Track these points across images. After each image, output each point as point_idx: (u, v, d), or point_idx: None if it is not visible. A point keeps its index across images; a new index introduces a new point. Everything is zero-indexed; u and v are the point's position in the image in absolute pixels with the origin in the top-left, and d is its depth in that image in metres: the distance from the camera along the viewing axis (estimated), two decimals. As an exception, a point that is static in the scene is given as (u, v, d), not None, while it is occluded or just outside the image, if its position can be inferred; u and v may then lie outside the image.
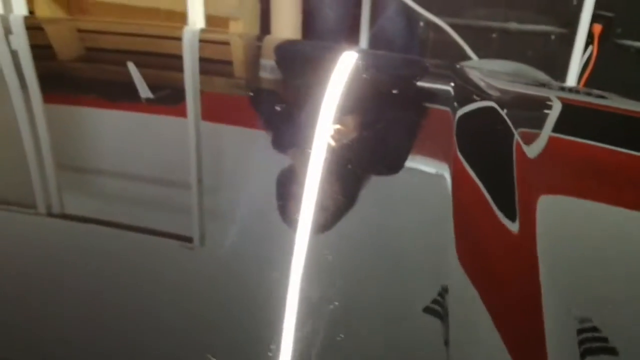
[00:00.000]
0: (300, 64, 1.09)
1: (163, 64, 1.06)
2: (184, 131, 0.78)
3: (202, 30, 1.59)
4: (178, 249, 0.54)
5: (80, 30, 1.30)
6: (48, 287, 0.48)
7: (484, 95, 0.97)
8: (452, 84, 0.99)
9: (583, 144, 0.85)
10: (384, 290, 0.50)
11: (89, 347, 0.42)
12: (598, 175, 0.76)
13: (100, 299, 0.47)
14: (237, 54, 1.24)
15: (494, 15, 2.50)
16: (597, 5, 2.34)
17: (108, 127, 0.80)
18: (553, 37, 2.50)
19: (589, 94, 1.08)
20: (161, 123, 0.82)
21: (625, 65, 2.43)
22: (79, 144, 0.74)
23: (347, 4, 2.44)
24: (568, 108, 0.97)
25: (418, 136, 0.85)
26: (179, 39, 1.20)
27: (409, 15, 2.37)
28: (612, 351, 0.46)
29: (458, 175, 0.67)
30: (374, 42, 2.50)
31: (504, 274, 0.54)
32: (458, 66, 1.11)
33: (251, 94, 1.01)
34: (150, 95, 0.85)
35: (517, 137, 0.78)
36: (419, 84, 1.11)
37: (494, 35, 2.52)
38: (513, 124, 0.82)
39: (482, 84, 1.01)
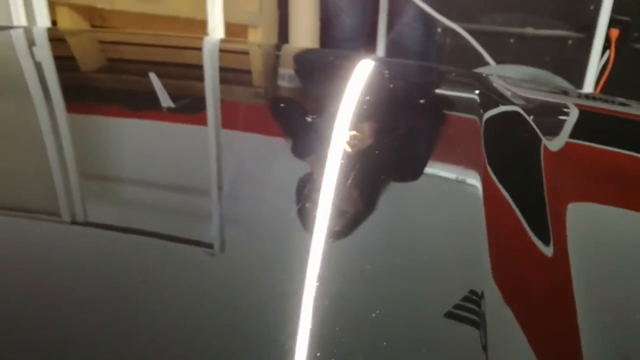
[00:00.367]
0: (321, 73, 1.10)
1: (184, 73, 1.07)
2: (204, 139, 0.79)
3: (222, 40, 1.61)
4: (199, 255, 0.54)
5: (102, 42, 1.32)
6: (72, 294, 0.48)
7: (509, 103, 0.97)
8: (477, 92, 0.99)
9: (602, 150, 0.84)
10: (417, 299, 0.50)
11: (112, 353, 0.42)
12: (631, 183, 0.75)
13: (123, 305, 0.47)
14: (256, 63, 1.25)
15: (511, 21, 2.49)
16: (614, 10, 2.31)
17: (130, 136, 0.81)
18: (570, 42, 2.49)
19: (608, 101, 1.07)
20: (182, 131, 0.83)
21: (642, 69, 2.41)
22: (102, 153, 0.75)
23: (364, 11, 2.45)
24: (594, 116, 0.97)
25: (447, 144, 0.84)
26: (199, 49, 1.21)
27: (427, 22, 2.37)
28: None
29: (489, 192, 0.66)
30: (392, 49, 2.50)
31: (540, 299, 0.53)
32: (483, 74, 1.11)
33: (275, 103, 1.01)
34: (171, 104, 0.86)
35: (545, 142, 0.77)
36: (446, 92, 1.11)
37: (511, 40, 2.51)
38: (540, 132, 0.81)
39: (507, 93, 1.00)
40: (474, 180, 0.70)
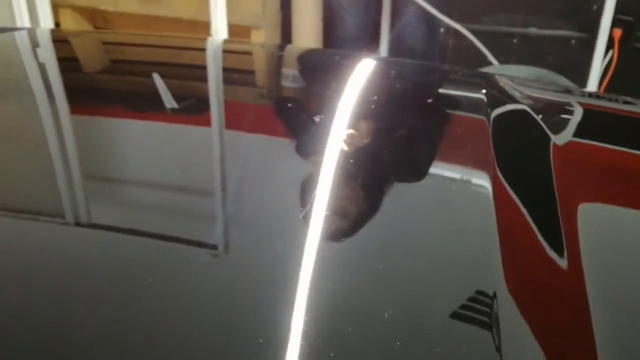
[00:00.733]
0: (326, 73, 1.10)
1: (187, 74, 1.07)
2: (208, 140, 0.79)
3: (225, 41, 1.61)
4: (203, 256, 0.54)
5: (105, 43, 1.32)
6: (75, 295, 0.48)
7: (516, 102, 0.97)
8: (485, 92, 0.99)
9: (606, 148, 0.84)
10: (429, 300, 0.49)
11: (114, 353, 0.42)
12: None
13: (126, 306, 0.47)
14: (260, 63, 1.25)
15: (514, 21, 2.49)
16: (617, 10, 2.31)
17: (133, 137, 0.81)
18: (573, 42, 2.48)
19: (613, 100, 1.07)
20: (186, 132, 0.83)
21: (646, 69, 2.40)
22: (105, 154, 0.75)
23: (367, 11, 2.45)
24: (600, 115, 0.97)
25: (456, 144, 0.84)
26: (203, 49, 1.21)
27: (430, 22, 2.37)
28: None
29: (499, 192, 0.66)
30: (395, 49, 2.50)
31: (553, 300, 0.53)
32: (489, 74, 1.10)
33: (279, 103, 1.01)
34: (175, 105, 0.86)
35: (554, 140, 0.77)
36: (453, 92, 1.11)
37: (514, 40, 2.51)
38: (549, 127, 0.81)
39: (514, 93, 1.00)
40: (483, 181, 0.69)
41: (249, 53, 1.32)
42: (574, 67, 2.45)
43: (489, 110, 0.89)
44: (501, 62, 2.43)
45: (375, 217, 0.63)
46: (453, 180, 0.72)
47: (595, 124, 0.93)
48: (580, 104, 1.02)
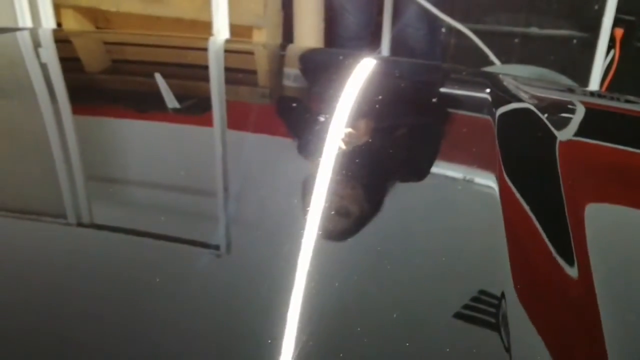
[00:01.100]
0: (329, 73, 1.10)
1: (189, 74, 1.07)
2: (210, 140, 0.79)
3: (227, 41, 1.61)
4: (205, 256, 0.54)
5: (107, 43, 1.33)
6: (77, 295, 0.48)
7: (520, 101, 0.97)
8: (489, 91, 0.99)
9: (608, 147, 0.84)
10: (417, 301, 0.49)
11: (116, 353, 0.42)
12: None
13: (128, 306, 0.47)
14: (261, 63, 1.25)
15: (515, 21, 2.49)
16: (619, 10, 2.31)
17: (135, 137, 0.81)
18: (575, 41, 2.48)
19: (612, 99, 1.07)
20: (188, 132, 0.83)
21: (647, 68, 2.40)
22: (107, 154, 0.75)
23: (369, 11, 2.45)
24: (605, 115, 0.96)
25: (461, 144, 0.83)
26: (205, 49, 1.21)
27: (431, 21, 2.37)
28: None
29: (506, 196, 0.65)
30: (396, 49, 2.50)
31: (561, 302, 0.53)
32: (493, 74, 1.10)
33: (281, 103, 1.01)
34: (177, 105, 0.86)
35: (560, 139, 0.77)
36: (458, 92, 1.11)
37: (516, 40, 2.50)
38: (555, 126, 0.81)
39: (518, 92, 1.00)
40: (489, 181, 0.69)
41: (250, 53, 1.32)
42: (576, 67, 2.45)
43: (494, 109, 0.89)
44: (503, 61, 2.43)
45: (381, 218, 0.63)
46: (459, 180, 0.72)
47: (599, 123, 0.93)
48: (584, 103, 1.02)
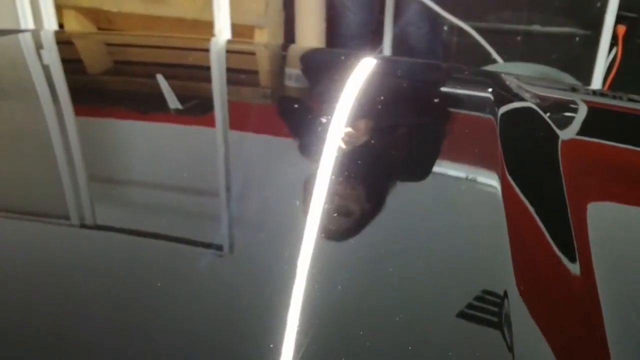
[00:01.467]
0: (328, 72, 1.10)
1: (191, 75, 1.07)
2: (212, 141, 0.79)
3: (229, 41, 1.61)
4: (208, 257, 0.54)
5: (108, 44, 1.33)
6: (80, 296, 0.48)
7: (523, 100, 0.96)
8: (491, 90, 0.98)
9: (611, 146, 0.84)
10: (420, 300, 0.49)
11: (119, 353, 0.42)
12: None
13: (131, 306, 0.47)
14: (263, 63, 1.25)
15: (518, 18, 2.49)
16: (621, 7, 2.31)
17: (138, 139, 0.81)
18: (577, 39, 2.48)
19: (614, 97, 1.07)
20: (190, 133, 0.83)
21: (651, 66, 2.40)
22: (110, 156, 0.75)
23: (370, 10, 2.45)
24: (607, 114, 0.96)
25: (463, 143, 0.83)
26: (206, 50, 1.21)
27: (433, 20, 2.37)
28: None
29: (508, 195, 0.65)
30: (398, 47, 2.50)
31: (564, 301, 0.52)
32: (495, 73, 1.10)
33: (283, 103, 1.01)
34: (179, 106, 0.86)
35: (562, 138, 0.77)
36: (459, 91, 1.10)
37: (518, 38, 2.50)
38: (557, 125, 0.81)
39: (520, 91, 1.00)
40: (491, 180, 0.69)
41: (252, 53, 1.32)
42: (578, 65, 2.45)
43: (496, 108, 0.89)
44: (505, 59, 2.43)
45: (382, 217, 0.63)
46: (461, 179, 0.72)
47: (601, 122, 0.93)
48: (586, 102, 1.01)
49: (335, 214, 0.60)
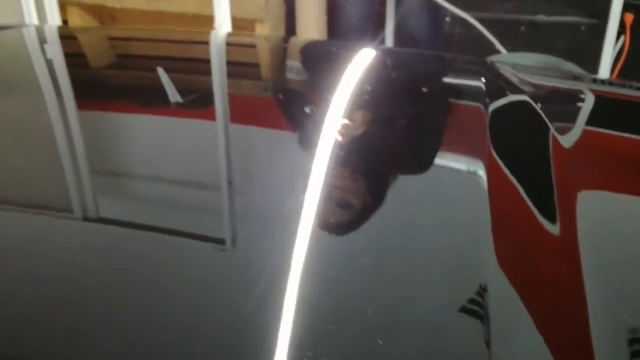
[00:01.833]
0: (328, 65, 1.10)
1: (192, 68, 1.07)
2: (213, 134, 0.79)
3: (229, 34, 1.61)
4: (210, 251, 0.54)
5: (111, 38, 1.33)
6: (83, 289, 0.49)
7: (517, 91, 0.96)
8: (484, 80, 0.98)
9: (621, 137, 0.83)
10: (418, 292, 0.49)
11: (121, 346, 0.43)
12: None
13: (133, 300, 0.47)
14: (264, 56, 1.25)
15: (521, 8, 2.47)
16: (628, -6, 2.28)
17: (140, 132, 0.81)
18: (583, 27, 2.46)
19: (623, 86, 1.06)
20: (191, 126, 0.83)
21: (659, 54, 2.37)
22: (112, 149, 0.76)
23: (371, 2, 2.44)
24: (603, 101, 0.95)
25: (450, 133, 0.83)
26: (207, 43, 1.21)
27: (435, 11, 2.36)
28: None
29: (494, 175, 0.65)
30: (399, 39, 2.49)
31: (547, 277, 0.53)
32: (489, 61, 1.09)
33: (281, 96, 1.01)
34: (179, 99, 0.86)
35: (553, 131, 0.76)
36: (450, 80, 1.10)
37: (522, 28, 2.48)
38: (549, 119, 0.80)
39: (514, 79, 0.99)
40: (478, 169, 0.69)
41: (253, 46, 1.32)
42: (585, 54, 2.42)
43: (488, 98, 0.88)
44: (509, 50, 2.41)
45: (370, 207, 0.63)
46: (446, 169, 0.72)
47: (602, 111, 0.92)
48: (586, 90, 1.01)
49: (332, 206, 0.60)
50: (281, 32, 2.44)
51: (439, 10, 2.37)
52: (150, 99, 0.91)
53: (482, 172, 0.67)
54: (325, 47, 1.43)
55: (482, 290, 0.48)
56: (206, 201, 0.64)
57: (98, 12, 2.55)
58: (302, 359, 0.41)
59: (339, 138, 0.72)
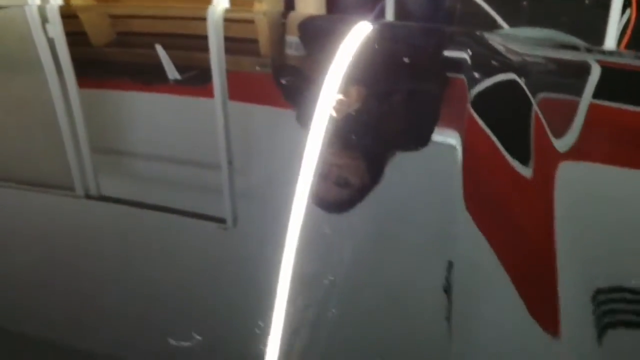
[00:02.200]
0: (324, 39, 1.09)
1: (191, 45, 1.07)
2: (212, 112, 0.79)
3: (227, 10, 1.60)
4: (212, 230, 0.54)
5: (111, 16, 1.33)
6: (85, 267, 0.49)
7: (504, 61, 0.96)
8: (470, 52, 0.98)
9: (603, 106, 0.83)
10: (385, 265, 0.50)
11: (121, 323, 0.43)
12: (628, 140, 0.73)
13: (134, 278, 0.48)
14: (262, 31, 1.25)
15: (524, -18, 2.44)
16: (635, -36, 2.24)
17: (140, 110, 0.82)
18: (587, 1, 2.42)
19: (605, 53, 1.04)
20: (191, 104, 0.83)
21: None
22: (113, 127, 0.76)
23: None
24: (585, 67, 0.95)
25: (430, 105, 0.83)
26: (204, 19, 1.21)
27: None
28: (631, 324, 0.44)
29: (470, 130, 0.65)
30: (400, 14, 2.46)
31: (516, 218, 0.53)
32: (477, 33, 1.08)
33: (282, 72, 1.01)
34: (178, 76, 0.87)
35: (535, 107, 0.76)
36: (433, 52, 1.09)
37: (524, 3, 2.45)
38: (534, 89, 0.80)
39: (502, 50, 0.98)
40: (453, 141, 0.69)
41: (251, 21, 1.32)
42: (589, 29, 2.39)
43: (472, 71, 0.88)
44: (511, 25, 2.39)
45: (367, 185, 0.63)
46: (439, 144, 0.71)
47: (581, 77, 0.91)
48: (573, 58, 0.99)
49: (330, 184, 0.61)
50: (280, 7, 2.42)
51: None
52: (150, 77, 0.91)
53: (458, 144, 0.66)
54: (324, 21, 1.42)
55: (450, 266, 0.48)
56: (207, 180, 0.64)
57: (99, -9, 2.54)
58: (298, 332, 0.42)
59: (334, 114, 0.73)
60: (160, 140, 0.72)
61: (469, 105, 0.74)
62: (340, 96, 0.78)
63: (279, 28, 1.27)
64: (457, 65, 0.95)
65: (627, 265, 0.49)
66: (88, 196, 0.60)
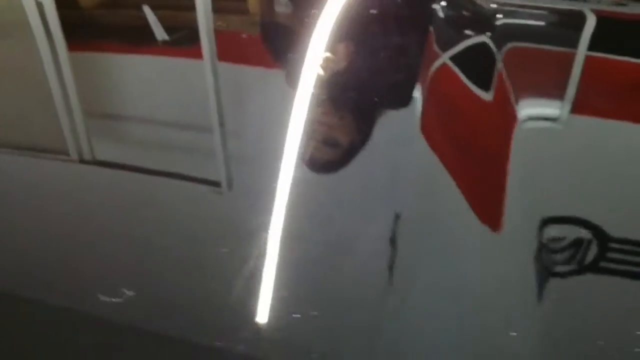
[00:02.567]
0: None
1: (178, 4, 1.05)
2: (202, 73, 0.78)
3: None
4: (206, 192, 0.55)
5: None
6: (79, 229, 0.50)
7: (476, 9, 0.93)
8: (443, 3, 0.95)
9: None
10: (334, 218, 0.50)
11: (115, 284, 0.44)
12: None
13: (129, 240, 0.49)
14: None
15: None
16: None
17: (130, 73, 0.82)
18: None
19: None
20: (179, 66, 0.83)
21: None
22: (105, 90, 0.76)
23: None
24: (557, 16, 0.93)
25: (414, 60, 0.82)
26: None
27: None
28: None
29: (430, 62, 0.65)
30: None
31: (472, 136, 0.54)
32: None
33: (271, 31, 0.99)
34: (166, 37, 0.86)
35: (499, 66, 0.74)
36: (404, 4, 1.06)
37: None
38: (502, 35, 0.78)
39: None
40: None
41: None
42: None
43: (445, 22, 0.87)
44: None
45: (356, 145, 0.63)
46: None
47: (554, 27, 0.89)
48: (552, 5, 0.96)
49: (320, 144, 0.61)
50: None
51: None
52: (139, 38, 0.90)
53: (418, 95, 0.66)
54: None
55: (397, 217, 0.49)
56: (199, 142, 0.65)
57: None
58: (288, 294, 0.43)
59: (322, 73, 0.72)
60: (152, 104, 0.71)
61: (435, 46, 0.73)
62: (328, 54, 0.77)
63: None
64: (427, 16, 0.93)
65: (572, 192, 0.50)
66: (82, 160, 0.61)
